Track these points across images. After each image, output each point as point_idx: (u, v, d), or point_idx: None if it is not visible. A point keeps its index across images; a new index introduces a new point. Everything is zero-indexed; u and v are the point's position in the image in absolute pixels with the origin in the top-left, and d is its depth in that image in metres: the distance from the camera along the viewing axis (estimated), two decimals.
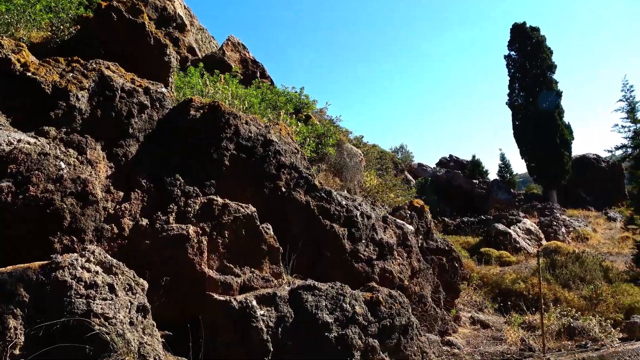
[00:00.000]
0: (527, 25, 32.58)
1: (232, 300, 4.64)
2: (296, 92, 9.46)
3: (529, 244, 21.19)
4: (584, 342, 6.23)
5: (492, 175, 38.32)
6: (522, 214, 24.45)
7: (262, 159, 5.26)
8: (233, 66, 13.34)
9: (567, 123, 30.75)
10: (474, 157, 38.11)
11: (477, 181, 35.52)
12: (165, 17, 12.96)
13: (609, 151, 14.98)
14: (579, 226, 24.86)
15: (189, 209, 4.91)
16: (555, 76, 31.24)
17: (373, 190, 10.91)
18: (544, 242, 21.40)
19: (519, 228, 22.34)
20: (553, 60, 31.64)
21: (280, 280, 5.19)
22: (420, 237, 6.64)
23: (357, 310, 4.93)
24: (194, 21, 14.06)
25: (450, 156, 44.04)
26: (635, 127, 14.05)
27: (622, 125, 14.34)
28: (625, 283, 10.77)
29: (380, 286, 5.56)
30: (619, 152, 14.57)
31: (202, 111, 5.10)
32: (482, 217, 24.02)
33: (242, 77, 12.52)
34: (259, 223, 5.11)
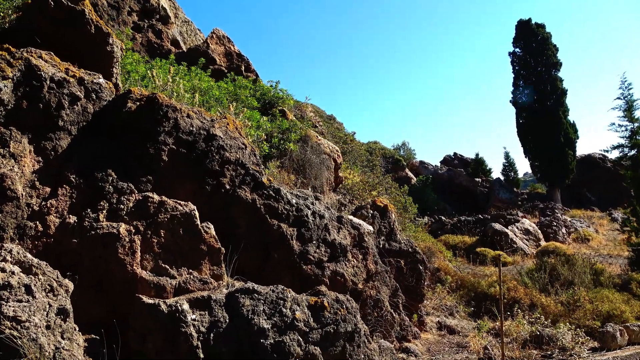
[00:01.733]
0: (533, 22, 31.96)
1: (161, 303, 4.39)
2: (271, 86, 9.17)
3: (526, 245, 20.77)
4: (550, 352, 5.90)
5: (497, 174, 37.84)
6: (520, 214, 23.99)
7: (205, 154, 5.00)
8: (217, 59, 13.10)
9: (571, 121, 30.14)
10: (477, 155, 37.57)
11: (480, 180, 35.03)
12: (148, 9, 12.75)
13: (605, 151, 14.48)
14: (581, 227, 24.35)
15: (122, 206, 4.67)
16: (560, 74, 30.60)
17: (354, 189, 10.61)
18: (542, 243, 20.97)
19: (517, 228, 21.92)
20: (558, 57, 31.00)
21: (220, 282, 4.94)
22: (382, 238, 6.33)
23: (298, 316, 4.66)
24: (178, 13, 13.82)
25: (455, 154, 43.55)
26: (632, 126, 13.57)
27: (618, 124, 13.86)
28: (613, 288, 10.39)
29: (330, 290, 5.28)
30: (615, 152, 14.08)
31: (138, 103, 4.84)
32: (480, 216, 23.59)
33: (225, 70, 12.31)
34: (198, 222, 4.86)
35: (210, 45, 13.04)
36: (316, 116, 28.39)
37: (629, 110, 13.57)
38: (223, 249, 4.96)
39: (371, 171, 12.91)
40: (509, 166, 37.79)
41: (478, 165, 37.39)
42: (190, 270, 4.82)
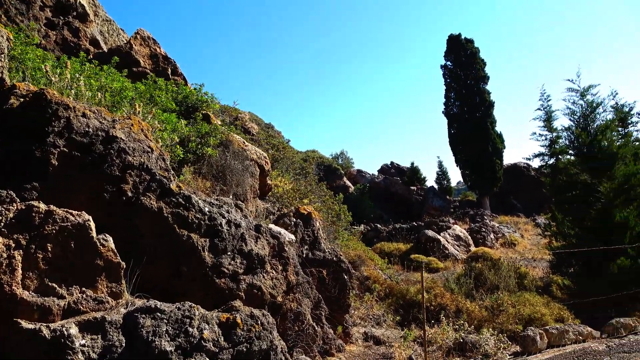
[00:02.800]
0: (462, 37, 33.35)
1: (43, 328, 3.82)
2: (194, 89, 8.69)
3: (457, 250, 21.36)
4: (473, 359, 5.86)
5: (431, 183, 38.98)
6: (452, 221, 24.68)
7: (102, 158, 4.49)
8: (141, 62, 12.38)
9: (499, 132, 31.62)
10: (412, 164, 38.55)
11: (415, 188, 35.93)
12: (64, 5, 11.83)
13: (527, 159, 15.14)
14: (508, 232, 25.46)
15: (0, 217, 4.06)
16: (488, 87, 32.08)
17: (284, 196, 10.29)
18: (472, 248, 21.64)
19: (449, 234, 22.52)
20: (486, 71, 32.50)
21: (120, 301, 4.42)
22: (306, 247, 6.05)
23: (206, 336, 4.25)
24: (98, 11, 12.96)
25: (392, 163, 44.51)
26: (551, 135, 14.24)
27: (539, 134, 14.51)
28: (535, 291, 10.74)
29: (247, 305, 4.91)
30: (537, 160, 14.72)
31: (23, 100, 4.27)
32: (414, 223, 24.05)
33: (149, 73, 11.61)
34: (93, 234, 4.33)
35: (133, 46, 12.30)
36: (252, 123, 27.89)
37: (548, 120, 14.25)
38: (124, 263, 4.46)
39: (304, 179, 12.65)
40: (442, 175, 39.05)
41: (413, 174, 38.35)
42: (84, 289, 4.28)
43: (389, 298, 8.32)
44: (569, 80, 12.30)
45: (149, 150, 4.86)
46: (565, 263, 13.03)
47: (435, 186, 37.57)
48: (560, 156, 13.73)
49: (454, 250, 20.56)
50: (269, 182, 9.37)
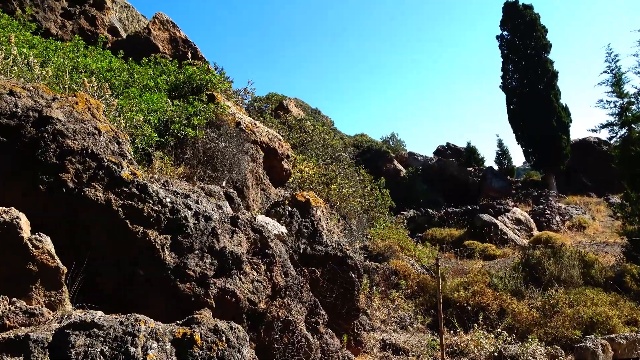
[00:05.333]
0: (520, 3, 30.60)
1: None
2: (198, 68, 7.92)
3: (518, 235, 19.61)
4: None
5: (490, 163, 36.66)
6: (511, 203, 22.79)
7: (35, 143, 3.78)
8: (160, 47, 11.86)
9: (564, 105, 28.82)
10: (469, 144, 36.40)
11: (472, 169, 33.80)
12: None
13: (593, 130, 13.17)
14: (577, 214, 23.17)
15: None
16: (550, 56, 29.25)
17: (307, 182, 9.38)
18: (535, 233, 19.79)
19: (507, 218, 20.76)
20: (548, 39, 29.66)
21: (58, 313, 3.71)
22: (303, 241, 5.07)
23: (151, 357, 3.43)
24: None
25: (448, 144, 42.38)
26: (621, 101, 12.24)
27: (607, 101, 12.53)
28: (604, 283, 9.16)
29: (217, 314, 4.06)
30: (604, 132, 12.78)
31: None
32: (469, 207, 22.38)
33: (169, 57, 11.02)
34: (24, 234, 3.62)
35: (152, 31, 11.80)
36: (298, 109, 27.17)
37: (617, 84, 12.27)
38: (64, 268, 3.73)
39: (335, 163, 11.66)
40: (502, 154, 36.60)
41: (470, 154, 36.19)
42: (14, 299, 3.58)
43: (421, 295, 7.20)
44: None
45: (96, 132, 4.09)
46: None
47: (495, 166, 35.25)
48: (633, 125, 11.72)
49: (514, 235, 18.86)
50: (285, 166, 8.47)
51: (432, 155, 38.20)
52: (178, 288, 4.01)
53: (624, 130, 12.15)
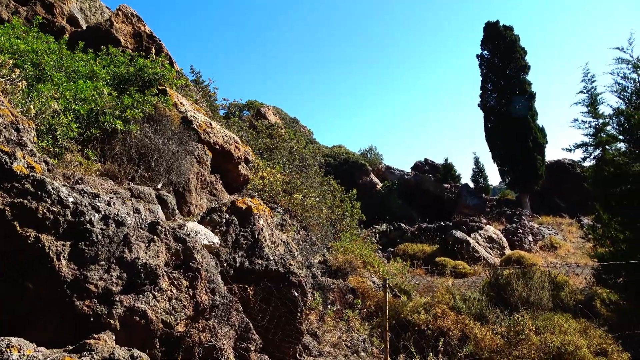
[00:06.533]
0: (501, 24, 30.86)
1: None
2: (150, 60, 7.29)
3: (490, 253, 19.29)
4: None
5: (467, 180, 36.65)
6: (484, 221, 22.51)
7: None
8: (122, 40, 11.17)
9: (540, 126, 28.97)
10: (446, 160, 36.33)
11: (448, 186, 33.63)
12: None
13: (567, 150, 12.87)
14: (549, 234, 23.08)
15: None
16: (528, 77, 29.48)
17: (267, 189, 8.77)
18: (507, 251, 19.51)
19: (480, 236, 20.47)
20: (526, 60, 29.90)
21: None
22: (240, 253, 4.45)
23: None
24: None
25: (426, 160, 42.27)
26: (596, 122, 11.99)
27: (582, 121, 12.24)
28: (573, 307, 8.75)
29: (122, 337, 3.41)
30: (579, 152, 12.48)
31: None
32: (442, 223, 22.03)
33: (131, 52, 10.32)
34: None
35: (114, 23, 11.12)
36: (276, 117, 26.58)
37: (592, 105, 12.01)
38: None
39: (302, 172, 11.09)
40: (478, 172, 36.64)
41: (447, 171, 36.09)
42: None
43: (379, 317, 6.63)
44: (618, 48, 10.05)
45: None
46: (612, 273, 10.83)
47: (471, 184, 35.24)
48: (607, 146, 11.48)
49: (486, 254, 18.54)
50: (243, 171, 7.86)
51: (409, 170, 38.02)
52: (75, 306, 3.34)
53: (598, 151, 11.89)
